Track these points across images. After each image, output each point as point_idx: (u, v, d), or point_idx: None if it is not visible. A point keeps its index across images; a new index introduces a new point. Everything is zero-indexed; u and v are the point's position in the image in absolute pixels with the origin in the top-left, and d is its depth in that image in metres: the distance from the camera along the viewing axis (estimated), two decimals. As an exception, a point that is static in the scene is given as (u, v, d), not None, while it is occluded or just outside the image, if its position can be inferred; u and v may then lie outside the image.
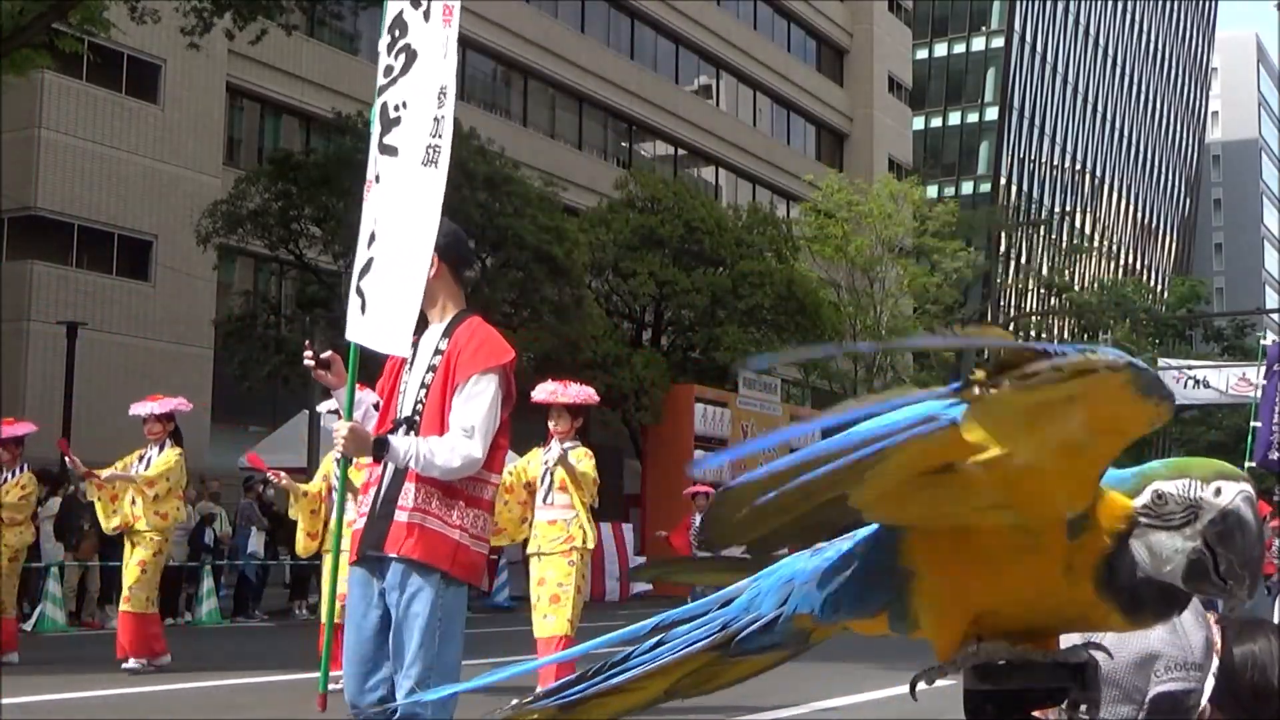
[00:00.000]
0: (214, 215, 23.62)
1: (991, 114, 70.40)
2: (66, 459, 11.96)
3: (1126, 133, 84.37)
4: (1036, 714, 1.45)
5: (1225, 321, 69.50)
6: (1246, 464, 13.57)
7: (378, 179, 4.97)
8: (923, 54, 68.76)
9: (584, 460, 8.88)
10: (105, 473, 11.01)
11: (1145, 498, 1.42)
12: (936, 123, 71.21)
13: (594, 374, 27.01)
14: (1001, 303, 61.15)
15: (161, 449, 11.00)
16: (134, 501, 10.95)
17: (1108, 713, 1.75)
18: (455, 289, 4.60)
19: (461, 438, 4.21)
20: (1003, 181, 69.69)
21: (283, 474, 10.36)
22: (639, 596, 25.63)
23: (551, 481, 8.87)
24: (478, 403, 4.30)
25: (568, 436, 8.94)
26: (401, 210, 4.81)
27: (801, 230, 40.84)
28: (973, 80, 71.41)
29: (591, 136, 43.71)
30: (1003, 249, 65.90)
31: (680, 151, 47.11)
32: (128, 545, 11.15)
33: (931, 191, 60.97)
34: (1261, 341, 15.71)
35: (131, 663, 10.78)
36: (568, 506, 8.81)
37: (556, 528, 8.78)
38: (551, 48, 40.81)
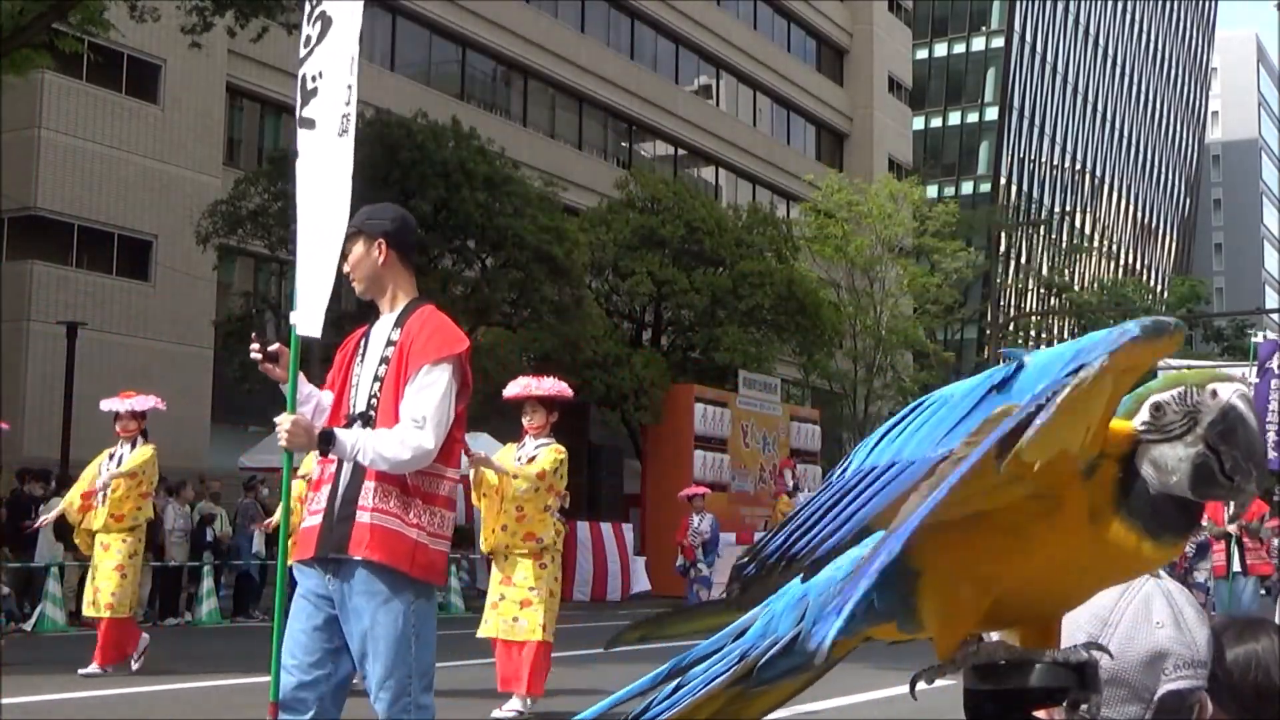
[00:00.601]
0: (214, 215, 23.63)
1: (991, 114, 70.42)
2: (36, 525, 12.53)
3: (1126, 133, 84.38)
4: (1040, 715, 1.45)
5: (1225, 321, 69.55)
6: None
7: (298, 155, 4.83)
8: (923, 54, 68.77)
9: (551, 457, 8.57)
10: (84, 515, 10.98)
11: (1144, 414, 1.42)
12: (936, 123, 71.22)
13: (594, 374, 27.02)
14: (1001, 303, 61.17)
15: (134, 446, 10.96)
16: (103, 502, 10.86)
17: (1116, 712, 1.74)
18: (406, 276, 4.44)
19: (412, 429, 4.02)
20: (1003, 181, 69.70)
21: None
22: (638, 596, 25.64)
23: None
24: (430, 393, 4.10)
25: (542, 432, 8.70)
26: (319, 184, 4.70)
27: (801, 230, 40.84)
28: (973, 80, 71.42)
29: (591, 136, 43.72)
30: (1003, 249, 65.92)
31: (680, 151, 47.12)
32: (97, 549, 10.97)
33: (931, 191, 60.97)
34: (1252, 340, 15.48)
35: (93, 668, 10.64)
36: (543, 510, 8.60)
37: (522, 525, 8.54)
38: (551, 48, 40.81)
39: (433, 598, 4.20)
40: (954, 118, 71.90)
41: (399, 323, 4.29)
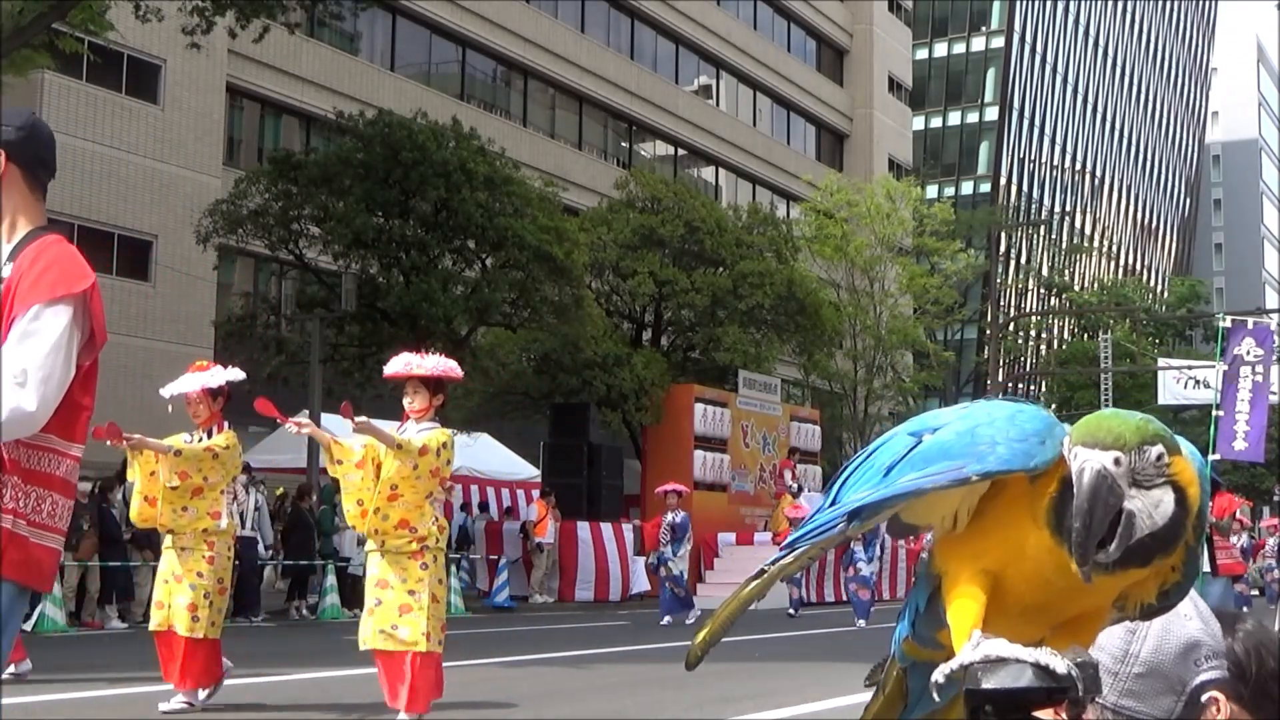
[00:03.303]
0: (214, 215, 23.63)
1: (991, 114, 70.44)
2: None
3: (1126, 133, 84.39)
4: (1046, 715, 1.45)
5: (1225, 322, 69.40)
6: (1210, 457, 13.01)
7: None
8: (923, 54, 68.79)
9: (435, 437, 7.70)
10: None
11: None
12: (936, 123, 71.24)
13: (594, 374, 27.02)
14: (1001, 303, 61.19)
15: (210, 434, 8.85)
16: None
17: (1150, 705, 1.75)
18: (31, 200, 3.47)
19: (10, 386, 3.09)
20: (1003, 181, 69.72)
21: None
22: (638, 596, 25.64)
23: None
24: (37, 342, 3.19)
25: (425, 416, 7.83)
26: None
27: (801, 230, 40.85)
28: (973, 80, 71.44)
29: (591, 136, 43.73)
30: (1003, 249, 65.92)
31: (680, 151, 47.14)
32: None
33: (931, 191, 61.01)
34: (1220, 324, 14.51)
35: (183, 697, 8.89)
36: (424, 498, 7.61)
37: (395, 510, 7.52)
38: (551, 48, 40.83)
39: (14, 598, 3.16)
40: (954, 118, 71.92)
41: (12, 256, 3.37)
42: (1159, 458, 1.44)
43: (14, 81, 20.13)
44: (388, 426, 7.95)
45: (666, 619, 19.29)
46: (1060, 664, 1.40)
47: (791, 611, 21.72)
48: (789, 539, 1.61)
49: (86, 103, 27.85)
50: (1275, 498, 57.43)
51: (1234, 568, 13.91)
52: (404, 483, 7.50)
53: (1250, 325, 14.17)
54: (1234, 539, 16.94)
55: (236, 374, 8.95)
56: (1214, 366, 13.63)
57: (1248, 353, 13.69)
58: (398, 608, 7.46)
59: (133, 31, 21.71)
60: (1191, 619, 1.79)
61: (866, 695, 1.87)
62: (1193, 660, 1.78)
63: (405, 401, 7.82)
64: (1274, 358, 14.26)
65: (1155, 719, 1.75)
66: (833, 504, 1.59)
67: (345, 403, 7.71)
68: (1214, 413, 13.58)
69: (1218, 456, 13.14)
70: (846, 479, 1.61)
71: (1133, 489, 1.43)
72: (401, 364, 7.79)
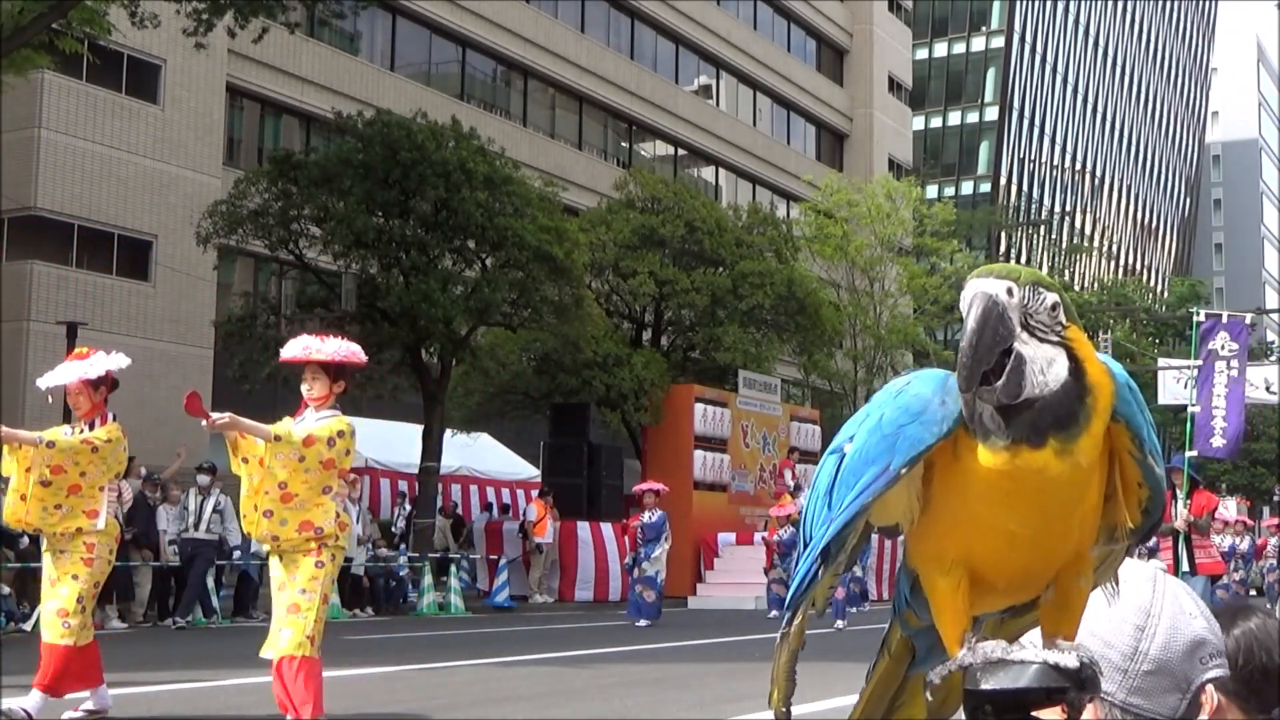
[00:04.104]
0: (214, 215, 23.63)
1: (991, 114, 70.44)
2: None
3: (1127, 133, 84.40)
4: (1049, 715, 1.45)
5: (1225, 321, 69.41)
6: (1187, 454, 12.86)
7: None
8: (923, 54, 68.79)
9: (328, 425, 6.99)
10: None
11: None
12: (936, 123, 71.24)
13: (594, 374, 27.02)
14: (1001, 303, 61.07)
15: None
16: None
17: (1157, 703, 1.75)
18: None
19: None
20: (1003, 181, 69.73)
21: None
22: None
23: None
24: None
25: (324, 404, 7.10)
26: None
27: (801, 230, 40.86)
28: (973, 80, 71.45)
29: (591, 136, 43.74)
30: (1003, 249, 65.92)
31: (680, 151, 47.14)
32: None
33: (931, 191, 61.01)
34: (1195, 317, 14.10)
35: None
36: (320, 493, 6.94)
37: (294, 511, 6.89)
38: (551, 48, 40.84)
39: None
40: (954, 118, 71.92)
41: None
42: (1054, 307, 1.38)
43: (14, 81, 20.14)
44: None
45: (643, 621, 18.79)
46: (1072, 660, 1.39)
47: (773, 613, 21.48)
48: (788, 598, 1.58)
49: (86, 103, 27.85)
50: (1276, 497, 57.43)
51: (1213, 568, 13.54)
52: (293, 478, 6.83)
53: (1225, 319, 13.86)
54: (1217, 538, 16.65)
55: (120, 361, 8.20)
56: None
57: (1222, 347, 13.38)
58: (286, 608, 6.82)
59: (133, 31, 21.70)
60: (1197, 618, 1.80)
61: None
62: (1199, 658, 1.78)
63: (304, 388, 7.11)
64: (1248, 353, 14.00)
65: (1161, 716, 1.76)
66: (806, 546, 1.55)
67: (191, 393, 6.89)
68: (1190, 409, 13.31)
69: (1195, 454, 12.94)
70: (805, 520, 1.58)
71: (1024, 333, 1.36)
72: (299, 348, 7.04)
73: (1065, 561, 1.47)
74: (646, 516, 19.93)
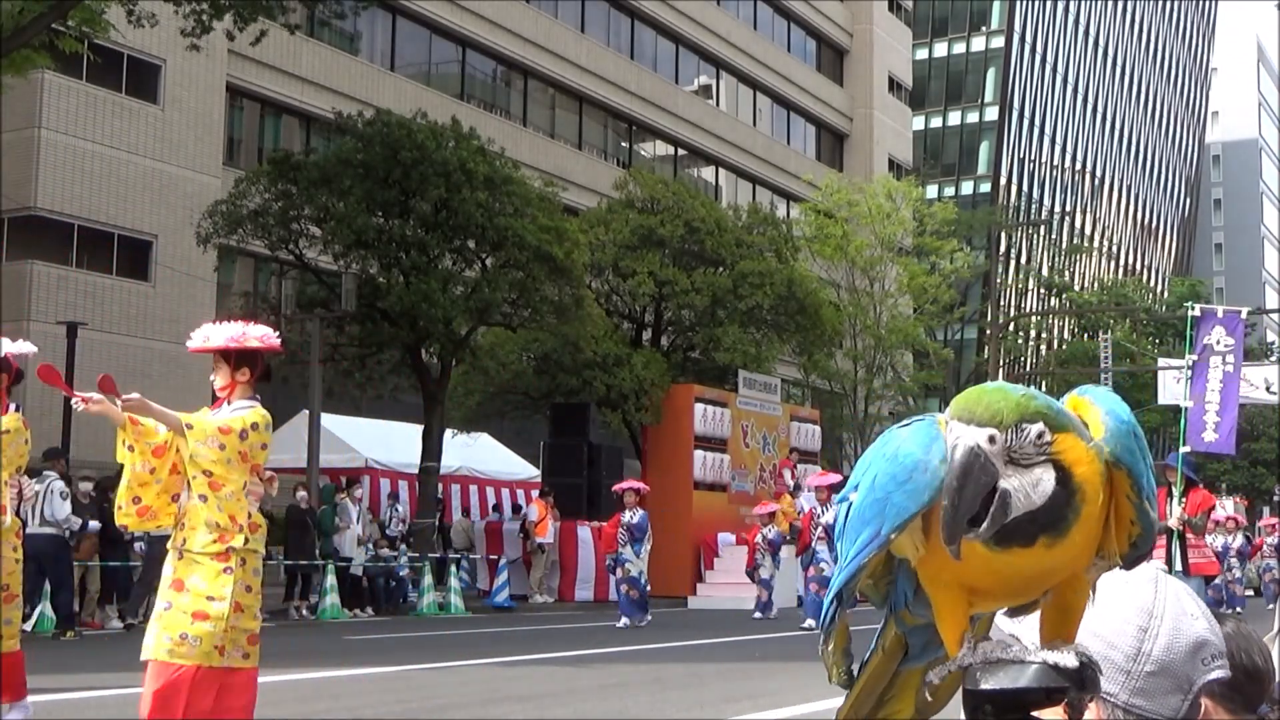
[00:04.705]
0: (214, 215, 23.63)
1: (991, 114, 70.44)
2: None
3: (1127, 132, 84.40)
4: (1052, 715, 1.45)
5: (1225, 321, 69.42)
6: (1181, 450, 12.74)
7: None
8: (923, 54, 68.80)
9: (244, 416, 6.31)
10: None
11: None
12: (936, 123, 71.24)
13: (594, 374, 27.02)
14: (1001, 303, 61.20)
15: None
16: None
17: (1158, 704, 1.75)
18: None
19: None
20: (1003, 181, 69.72)
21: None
22: (639, 596, 25.63)
23: None
24: None
25: (233, 394, 6.41)
26: None
27: (801, 230, 40.87)
28: (973, 80, 71.45)
29: (591, 136, 43.75)
30: (1003, 249, 65.93)
31: (680, 151, 47.15)
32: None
33: (931, 191, 61.01)
34: (1190, 312, 13.89)
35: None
36: (238, 487, 6.27)
37: (208, 514, 6.18)
38: (551, 48, 40.85)
39: None
40: (954, 118, 71.92)
41: None
42: (1039, 435, 1.40)
43: (14, 81, 20.14)
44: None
45: (624, 620, 18.59)
46: (1072, 659, 1.40)
47: (757, 614, 21.36)
48: (822, 618, 1.63)
49: (86, 103, 27.85)
50: (1275, 497, 57.44)
51: (1206, 568, 13.39)
52: (218, 469, 6.16)
53: (1220, 314, 13.70)
54: (1210, 538, 16.45)
55: (24, 347, 7.61)
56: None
57: (1218, 342, 13.22)
58: (190, 613, 6.05)
59: (132, 31, 21.71)
60: (1199, 618, 1.80)
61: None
62: (1200, 659, 1.78)
63: (212, 379, 6.47)
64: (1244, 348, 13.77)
65: (1163, 717, 1.76)
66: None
67: (104, 376, 6.24)
68: (1183, 404, 13.09)
69: (1188, 449, 12.77)
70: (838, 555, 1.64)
71: (1009, 467, 1.39)
72: (199, 338, 6.41)
73: (1061, 579, 1.50)
74: (629, 516, 19.62)
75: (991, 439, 1.39)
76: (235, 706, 6.11)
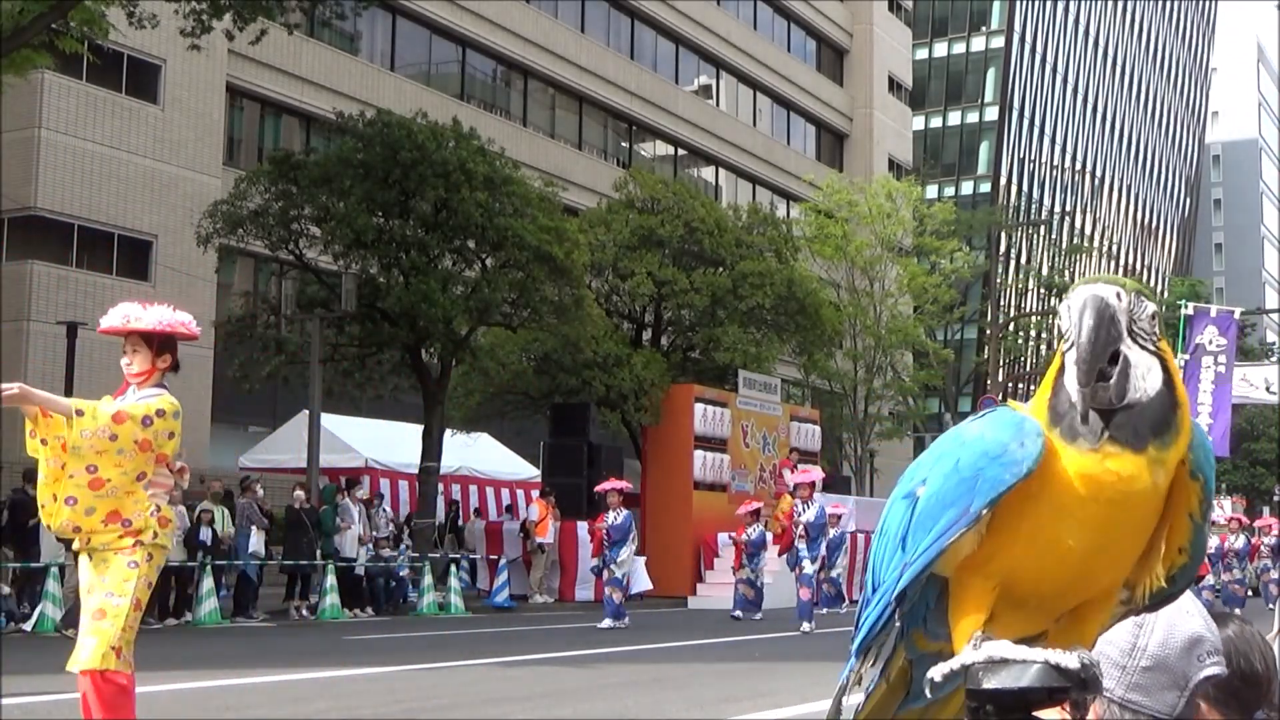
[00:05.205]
0: (214, 215, 23.63)
1: (991, 114, 70.45)
2: None
3: (1127, 132, 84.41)
4: (1054, 715, 1.45)
5: (1225, 321, 69.49)
6: None
7: None
8: (923, 54, 68.80)
9: (148, 404, 5.88)
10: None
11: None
12: (936, 123, 71.25)
13: (594, 374, 27.02)
14: (1001, 303, 61.22)
15: None
16: None
17: (1155, 699, 1.76)
18: None
19: None
20: (1003, 181, 69.74)
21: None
22: (639, 596, 25.64)
23: None
24: None
25: (147, 381, 6.00)
26: None
27: (801, 230, 40.87)
28: (973, 80, 71.46)
29: (591, 136, 43.75)
30: (1003, 249, 65.93)
31: (680, 151, 47.15)
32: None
33: (931, 191, 61.02)
34: (1183, 310, 13.69)
35: None
36: (134, 480, 5.82)
37: (102, 500, 5.77)
38: (551, 48, 40.85)
39: None
40: (954, 118, 71.93)
41: None
42: (1153, 316, 1.42)
43: (14, 81, 20.14)
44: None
45: (607, 621, 18.30)
46: (1072, 660, 1.40)
47: (737, 614, 21.15)
48: (857, 642, 1.58)
49: (86, 103, 27.85)
50: (1276, 498, 57.44)
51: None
52: (103, 460, 5.73)
53: (1213, 313, 13.54)
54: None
55: None
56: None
57: (1210, 341, 13.03)
58: (91, 613, 5.73)
59: (132, 31, 21.71)
60: (1194, 616, 1.80)
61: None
62: (1196, 656, 1.79)
63: (123, 363, 6.07)
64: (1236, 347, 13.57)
65: (1160, 714, 1.76)
66: (874, 591, 1.57)
67: None
68: None
69: None
70: (873, 564, 1.60)
71: (1129, 338, 1.40)
72: (119, 317, 6.01)
73: (1095, 595, 1.48)
74: (612, 517, 19.27)
75: (1119, 296, 1.40)
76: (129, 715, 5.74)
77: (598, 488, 20.88)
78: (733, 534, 23.43)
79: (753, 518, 22.10)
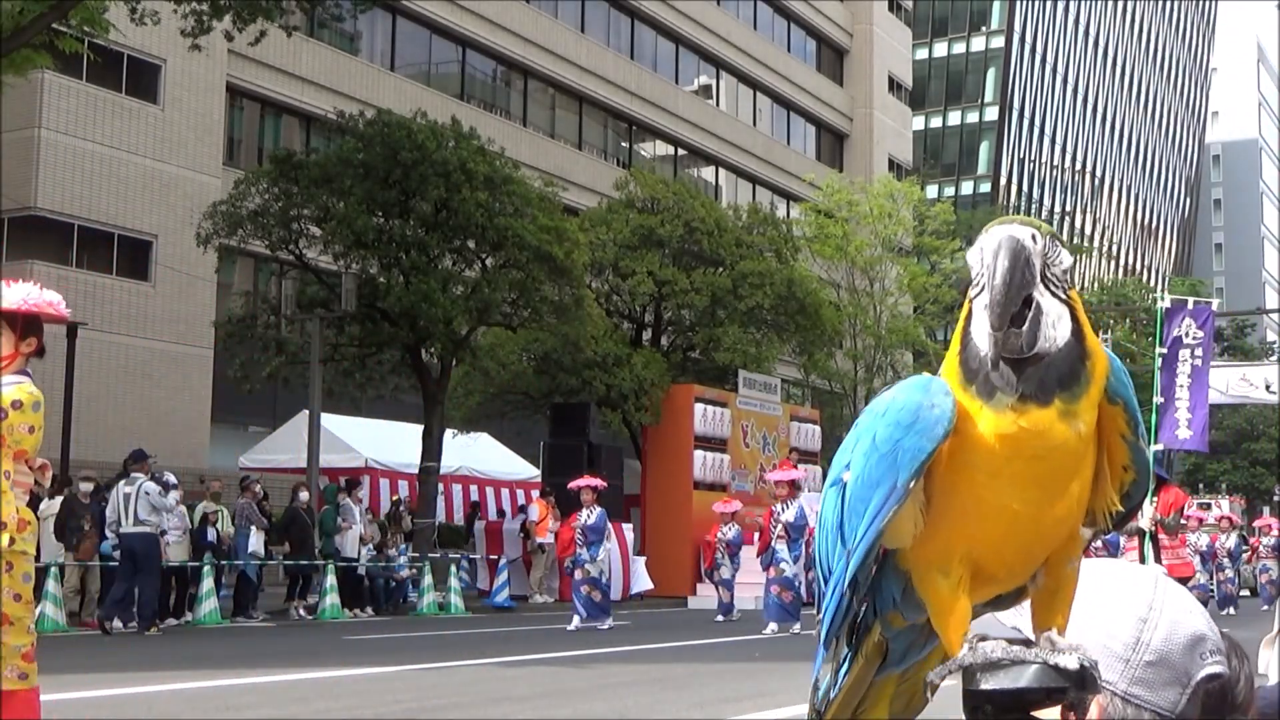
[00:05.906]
0: (214, 215, 23.63)
1: (991, 114, 70.46)
2: None
3: (1127, 133, 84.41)
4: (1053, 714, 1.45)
5: (1225, 321, 69.57)
6: (1154, 447, 12.52)
7: None
8: (923, 54, 68.80)
9: (6, 393, 5.31)
10: None
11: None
12: (936, 123, 71.26)
13: (594, 374, 27.03)
14: (1001, 303, 61.21)
15: None
16: None
17: (1156, 695, 1.76)
18: None
19: None
20: (1003, 181, 69.76)
21: None
22: (639, 596, 25.65)
23: None
24: None
25: (9, 367, 5.47)
26: None
27: (801, 230, 40.88)
28: (973, 80, 71.47)
29: (591, 136, 43.75)
30: (1003, 249, 65.96)
31: (680, 151, 47.15)
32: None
33: (931, 191, 61.04)
34: (1160, 303, 13.48)
35: None
36: None
37: None
38: (551, 48, 40.85)
39: None
40: (954, 118, 71.94)
41: None
42: (1066, 266, 1.36)
43: (14, 81, 20.14)
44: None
45: (576, 621, 18.09)
46: (1071, 660, 1.39)
47: (720, 617, 20.97)
48: (823, 632, 1.54)
49: (86, 103, 27.85)
50: (1275, 497, 57.43)
51: (1180, 569, 13.07)
52: None
53: (1190, 305, 13.36)
54: (1193, 537, 16.06)
55: None
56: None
57: (1186, 334, 12.83)
58: None
59: (133, 31, 21.72)
60: (1196, 615, 1.81)
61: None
62: (1198, 654, 1.79)
63: None
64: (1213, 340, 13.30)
65: (1162, 710, 1.76)
66: (826, 583, 1.52)
67: None
68: (1154, 400, 12.64)
69: (1161, 447, 12.44)
70: (820, 558, 1.55)
71: (1041, 284, 1.35)
72: None
73: (1060, 542, 1.46)
74: (585, 516, 18.95)
75: (1034, 238, 1.35)
76: None
77: (571, 484, 20.31)
78: (708, 535, 23.10)
79: (730, 518, 21.84)
